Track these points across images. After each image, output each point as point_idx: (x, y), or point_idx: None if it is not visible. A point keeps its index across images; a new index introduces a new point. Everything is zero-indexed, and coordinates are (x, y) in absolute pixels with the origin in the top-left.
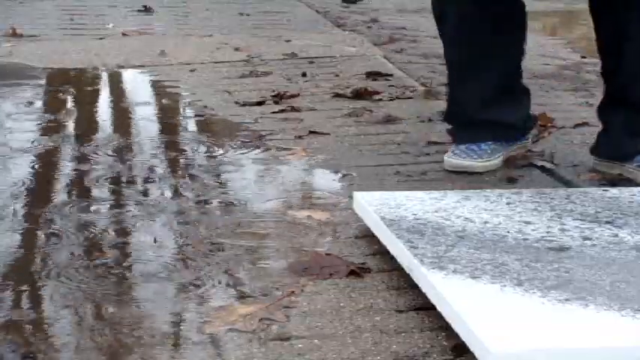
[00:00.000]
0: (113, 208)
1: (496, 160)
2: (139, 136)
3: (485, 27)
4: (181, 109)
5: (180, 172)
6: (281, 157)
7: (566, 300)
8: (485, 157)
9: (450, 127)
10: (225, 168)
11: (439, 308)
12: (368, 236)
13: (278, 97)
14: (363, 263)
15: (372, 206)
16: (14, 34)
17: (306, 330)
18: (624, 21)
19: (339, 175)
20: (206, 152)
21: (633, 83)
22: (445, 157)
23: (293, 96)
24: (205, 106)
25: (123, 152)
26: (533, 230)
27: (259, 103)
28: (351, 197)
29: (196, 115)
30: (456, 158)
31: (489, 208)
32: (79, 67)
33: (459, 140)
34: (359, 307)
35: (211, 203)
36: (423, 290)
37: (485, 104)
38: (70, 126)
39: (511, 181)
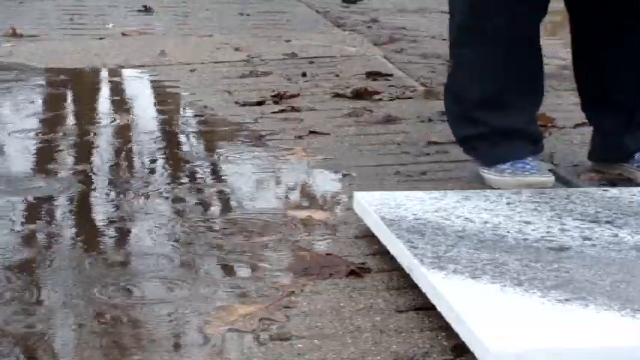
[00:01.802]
0: (112, 208)
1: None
2: (139, 135)
3: (522, 40)
4: (181, 109)
5: (179, 172)
6: (281, 157)
7: (566, 300)
8: (544, 171)
9: (473, 144)
10: (225, 168)
11: (439, 308)
12: (368, 236)
13: (278, 97)
14: (363, 263)
15: (372, 206)
16: (14, 34)
17: (306, 330)
18: (605, 19)
19: (339, 175)
20: (206, 152)
21: (620, 84)
22: (492, 177)
23: (293, 96)
24: (205, 106)
25: (122, 152)
26: (533, 230)
27: (259, 103)
28: (351, 197)
29: (196, 115)
30: (519, 175)
31: (489, 208)
32: (79, 67)
33: (499, 157)
34: (359, 307)
35: (211, 203)
36: (423, 290)
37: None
38: (70, 126)
39: None
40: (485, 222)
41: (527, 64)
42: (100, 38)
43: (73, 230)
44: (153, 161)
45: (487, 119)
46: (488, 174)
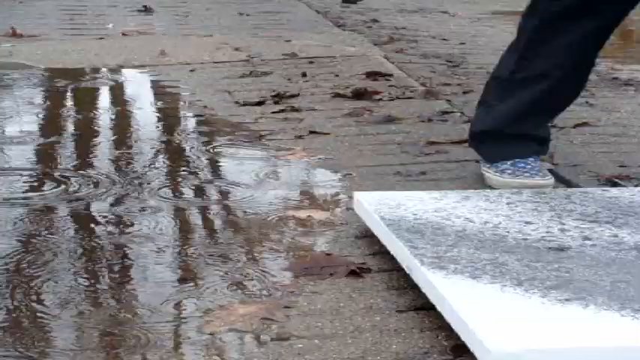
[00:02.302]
0: (112, 207)
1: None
2: (139, 135)
3: (585, 42)
4: (181, 109)
5: (179, 172)
6: (281, 157)
7: (566, 300)
8: (545, 173)
9: (481, 142)
10: (225, 168)
11: (439, 308)
12: (368, 236)
13: (278, 97)
14: (363, 263)
15: (372, 206)
16: (14, 34)
17: (306, 330)
18: None
19: (339, 175)
20: (206, 152)
21: None
22: (493, 176)
23: (293, 96)
24: (205, 106)
25: (122, 152)
26: (533, 230)
27: (259, 103)
28: (351, 197)
29: (196, 115)
30: (520, 177)
31: (489, 208)
32: (79, 67)
33: (502, 155)
34: (359, 307)
35: (211, 203)
36: (423, 290)
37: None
38: (70, 126)
39: None
40: (486, 222)
41: (565, 91)
42: (100, 38)
43: (74, 226)
44: (153, 161)
45: (504, 128)
46: (489, 173)
